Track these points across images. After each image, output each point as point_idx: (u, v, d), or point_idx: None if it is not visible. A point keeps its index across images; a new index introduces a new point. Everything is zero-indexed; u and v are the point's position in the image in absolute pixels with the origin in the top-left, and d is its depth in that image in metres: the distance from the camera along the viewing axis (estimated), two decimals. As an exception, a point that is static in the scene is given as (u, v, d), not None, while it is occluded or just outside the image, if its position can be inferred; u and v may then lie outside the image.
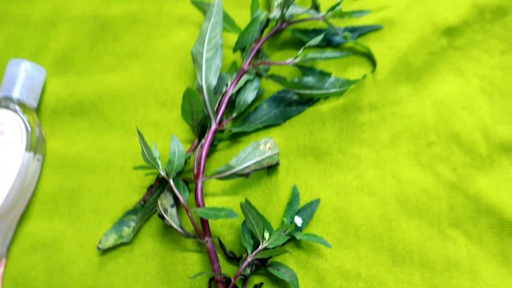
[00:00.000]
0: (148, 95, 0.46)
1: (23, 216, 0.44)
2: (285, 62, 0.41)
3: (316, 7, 0.42)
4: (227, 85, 0.43)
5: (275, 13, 0.44)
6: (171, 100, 0.46)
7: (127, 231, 0.41)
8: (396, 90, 0.45)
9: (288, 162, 0.43)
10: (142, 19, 0.49)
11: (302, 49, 0.40)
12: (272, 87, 0.45)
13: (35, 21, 0.49)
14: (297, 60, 0.41)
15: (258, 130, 0.44)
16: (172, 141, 0.38)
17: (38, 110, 0.46)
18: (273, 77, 0.42)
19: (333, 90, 0.42)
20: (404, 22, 0.47)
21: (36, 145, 0.43)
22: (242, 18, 0.48)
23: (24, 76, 0.44)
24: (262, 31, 0.44)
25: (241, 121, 0.44)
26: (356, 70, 0.46)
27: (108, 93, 0.47)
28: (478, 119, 0.44)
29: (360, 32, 0.46)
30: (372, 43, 0.46)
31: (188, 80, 0.47)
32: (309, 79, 0.41)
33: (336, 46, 0.46)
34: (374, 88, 0.45)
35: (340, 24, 0.47)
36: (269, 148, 0.40)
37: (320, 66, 0.45)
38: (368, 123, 0.44)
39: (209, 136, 0.41)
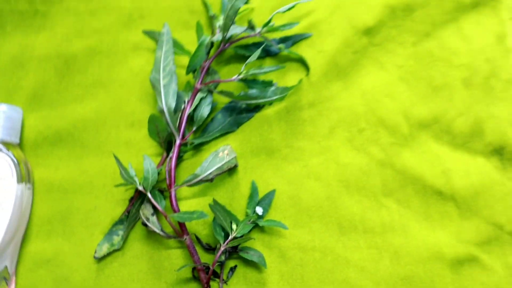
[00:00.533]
0: (117, 118, 0.54)
1: (24, 239, 0.51)
2: (231, 79, 0.49)
3: (252, 27, 0.50)
4: (184, 102, 0.51)
5: (218, 35, 0.52)
6: (138, 121, 0.53)
7: (117, 239, 0.49)
8: (329, 88, 0.54)
9: (245, 162, 0.52)
10: (101, 51, 0.55)
11: (244, 65, 0.48)
12: (224, 99, 0.53)
13: (4, 64, 0.55)
14: (241, 76, 0.49)
15: (216, 138, 0.52)
16: (144, 160, 0.46)
17: (21, 144, 0.53)
18: (223, 93, 0.50)
19: (275, 97, 0.50)
20: (329, 28, 0.55)
21: (25, 176, 0.50)
22: (189, 39, 0.55)
23: (3, 118, 0.51)
24: (208, 52, 0.51)
25: (201, 132, 0.52)
26: (293, 75, 0.54)
27: (82, 121, 0.53)
28: (399, 103, 0.53)
29: (293, 40, 0.54)
30: (304, 49, 0.54)
31: (150, 101, 0.54)
32: (253, 91, 0.49)
33: (274, 55, 0.54)
34: (310, 89, 0.53)
35: (275, 35, 0.55)
36: (227, 154, 0.48)
37: (262, 76, 0.53)
38: (308, 119, 0.53)
39: (175, 150, 0.49)
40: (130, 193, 0.51)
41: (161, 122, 0.48)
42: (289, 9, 0.50)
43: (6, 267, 0.48)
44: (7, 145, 0.50)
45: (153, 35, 0.53)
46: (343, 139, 0.52)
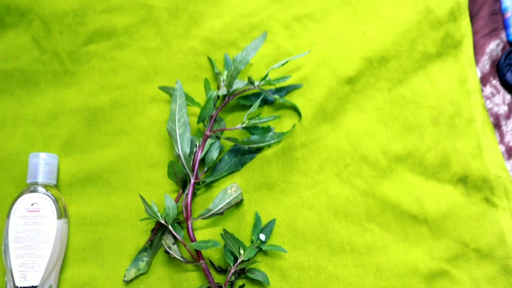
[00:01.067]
0: (138, 161, 0.63)
1: (63, 266, 0.60)
2: (236, 128, 0.59)
3: (251, 82, 0.60)
4: (196, 146, 0.61)
5: (223, 89, 0.62)
6: (156, 162, 0.63)
7: (142, 264, 0.59)
8: (318, 130, 0.64)
9: (249, 196, 0.62)
10: (123, 103, 0.65)
11: (246, 115, 0.59)
12: (230, 142, 0.63)
13: (40, 116, 0.64)
14: (244, 124, 0.59)
15: (224, 176, 0.62)
16: (166, 199, 0.56)
17: (57, 185, 0.62)
18: (229, 139, 0.60)
19: (273, 141, 0.61)
20: (316, 79, 0.65)
21: (63, 213, 0.60)
22: (198, 91, 0.66)
23: (43, 164, 0.60)
24: (215, 104, 0.62)
25: (211, 171, 0.62)
26: (287, 121, 0.64)
27: (108, 164, 0.63)
28: (378, 141, 0.63)
29: (287, 90, 0.65)
30: (296, 98, 0.65)
31: (166, 145, 0.64)
32: (255, 137, 0.60)
33: (271, 104, 0.65)
34: (303, 132, 0.64)
35: (271, 87, 0.65)
36: (234, 191, 0.59)
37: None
38: (301, 158, 0.63)
39: (190, 188, 0.59)
40: (152, 224, 0.61)
41: (178, 166, 0.57)
42: (282, 65, 0.60)
43: (50, 286, 0.58)
44: (47, 186, 0.60)
45: (167, 90, 0.63)
46: (331, 173, 0.62)
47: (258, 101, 0.59)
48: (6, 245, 0.57)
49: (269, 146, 0.62)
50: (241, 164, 0.62)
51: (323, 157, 0.63)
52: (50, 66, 0.66)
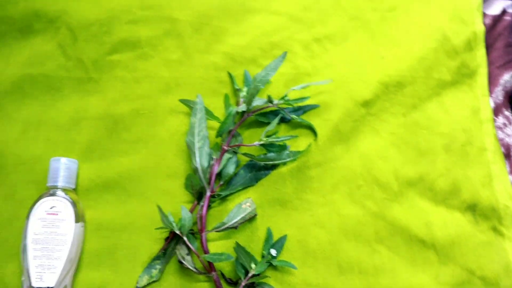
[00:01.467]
0: (156, 170, 0.65)
1: (77, 269, 0.62)
2: (253, 144, 0.61)
3: (271, 101, 0.62)
4: (212, 159, 0.62)
5: (242, 106, 0.64)
6: (173, 173, 0.65)
7: (155, 272, 0.61)
8: (333, 150, 0.66)
9: (262, 211, 0.63)
10: (143, 113, 0.67)
11: (264, 133, 0.61)
12: (247, 157, 0.65)
13: (63, 122, 0.66)
14: (261, 142, 0.61)
15: (238, 191, 0.64)
16: (182, 210, 0.58)
17: (76, 190, 0.64)
18: (246, 154, 0.62)
19: (288, 159, 0.62)
20: (333, 100, 0.67)
21: (80, 217, 0.62)
22: (217, 105, 0.67)
23: (63, 169, 0.62)
24: (234, 119, 0.64)
25: (226, 184, 0.64)
26: (303, 139, 0.66)
27: (126, 172, 0.65)
28: (390, 165, 0.65)
29: (304, 110, 0.67)
30: (312, 117, 0.67)
31: (184, 156, 0.66)
32: (272, 155, 0.62)
33: (287, 122, 0.67)
34: (317, 151, 0.66)
35: (290, 106, 0.67)
36: (249, 206, 0.61)
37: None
38: (315, 176, 0.65)
39: (206, 201, 0.61)
40: (166, 233, 0.63)
41: (195, 178, 0.59)
42: (303, 88, 0.62)
43: (66, 285, 0.59)
44: (66, 190, 0.62)
45: (187, 103, 0.65)
46: (344, 193, 0.64)
47: (277, 120, 0.61)
48: (25, 246, 0.59)
49: (284, 163, 0.64)
50: (256, 180, 0.64)
51: (336, 177, 0.65)
52: (74, 73, 0.69)
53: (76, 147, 0.66)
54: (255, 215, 0.62)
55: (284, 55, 0.60)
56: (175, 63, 0.69)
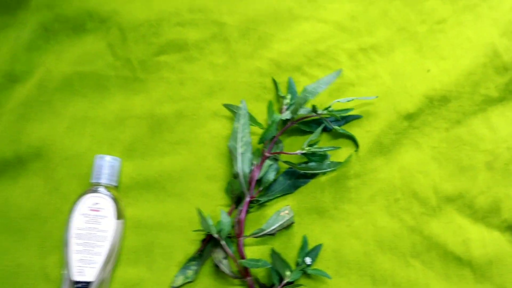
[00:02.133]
0: (196, 172, 0.67)
1: (115, 265, 0.64)
2: (295, 153, 0.62)
3: (315, 110, 0.63)
4: (253, 164, 0.63)
5: (286, 113, 0.65)
6: (213, 175, 0.66)
7: (190, 273, 0.62)
8: (373, 162, 0.66)
9: (300, 218, 0.64)
10: (186, 115, 0.68)
11: (306, 142, 0.61)
12: (287, 165, 0.66)
13: (108, 120, 0.68)
14: (303, 151, 0.61)
15: (277, 197, 0.65)
16: (222, 214, 0.59)
17: (118, 187, 0.66)
18: (287, 162, 0.63)
19: (329, 169, 0.63)
20: (376, 112, 0.67)
21: (121, 214, 0.64)
22: (259, 110, 0.68)
23: (107, 166, 0.64)
24: (277, 126, 0.65)
25: (265, 190, 0.65)
26: (344, 150, 0.67)
27: (167, 172, 0.67)
28: (430, 179, 0.65)
29: (346, 120, 0.67)
30: (354, 128, 0.67)
31: (224, 160, 0.67)
32: (313, 164, 0.62)
33: (329, 131, 0.67)
34: (357, 162, 0.66)
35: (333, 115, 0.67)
36: (287, 213, 0.61)
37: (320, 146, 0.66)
38: (354, 187, 0.65)
39: (245, 206, 0.62)
40: (202, 235, 0.64)
41: (236, 184, 0.61)
42: (348, 101, 0.63)
43: (103, 281, 0.62)
44: (109, 187, 0.64)
45: (231, 108, 0.66)
46: (381, 206, 0.65)
47: (320, 130, 0.61)
48: (68, 240, 0.61)
49: (324, 173, 0.65)
50: (294, 187, 0.65)
51: (374, 189, 0.65)
52: (121, 72, 0.70)
53: (120, 145, 0.68)
54: (293, 222, 0.63)
55: (338, 73, 0.61)
56: (220, 67, 0.70)
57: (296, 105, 0.61)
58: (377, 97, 0.67)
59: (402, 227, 0.64)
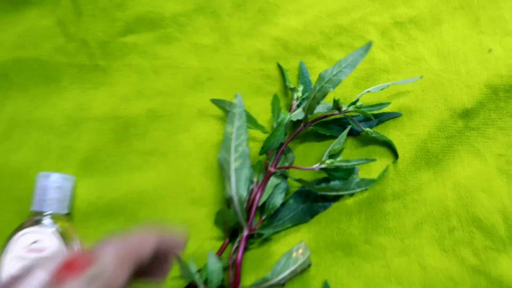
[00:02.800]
0: (176, 193, 0.51)
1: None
2: (311, 168, 0.45)
3: (338, 107, 0.45)
4: (252, 182, 0.46)
5: (298, 113, 0.47)
6: (199, 198, 0.51)
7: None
8: (417, 177, 0.50)
9: (318, 258, 0.48)
10: (163, 115, 0.53)
11: (327, 152, 0.44)
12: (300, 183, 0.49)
13: (58, 122, 0.53)
14: (323, 165, 0.44)
15: (286, 228, 0.47)
16: (209, 258, 0.42)
17: (70, 216, 0.50)
18: (299, 181, 0.45)
19: (358, 189, 0.46)
20: (421, 108, 0.51)
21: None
22: (261, 107, 0.52)
23: (53, 188, 0.48)
24: (285, 130, 0.47)
25: (270, 218, 0.47)
26: (378, 162, 0.49)
27: (137, 194, 0.51)
28: (497, 201, 0.49)
29: (380, 120, 0.50)
30: (391, 131, 0.51)
31: (214, 176, 0.51)
32: (336, 183, 0.45)
33: (357, 135, 0.50)
34: (396, 178, 0.50)
35: (362, 113, 0.50)
36: (301, 254, 0.45)
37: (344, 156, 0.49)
38: (392, 212, 0.49)
39: (242, 242, 0.45)
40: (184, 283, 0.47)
41: (230, 214, 0.44)
42: (382, 89, 0.45)
43: None
44: (56, 218, 0.47)
45: (222, 104, 0.50)
46: (430, 238, 0.49)
47: (345, 134, 0.44)
48: (-4, 293, 0.44)
49: (351, 194, 0.48)
50: (310, 214, 0.48)
51: (420, 215, 0.49)
52: (76, 59, 0.56)
53: (74, 157, 0.53)
54: (309, 265, 0.45)
55: (368, 47, 0.42)
56: (208, 50, 0.56)
57: (311, 99, 0.44)
58: (421, 77, 0.51)
59: (460, 267, 0.47)
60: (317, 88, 0.43)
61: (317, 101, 0.44)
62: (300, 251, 0.45)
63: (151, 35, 0.56)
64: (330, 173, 0.46)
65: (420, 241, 0.48)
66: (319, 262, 0.48)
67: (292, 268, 0.44)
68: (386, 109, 0.50)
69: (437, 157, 0.50)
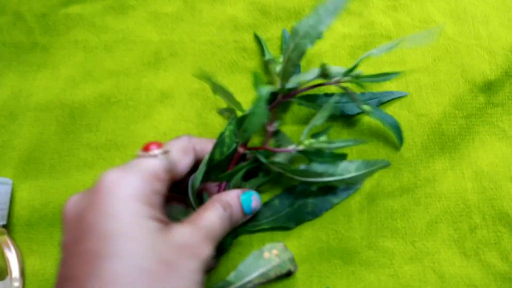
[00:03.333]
0: (136, 195, 0.42)
1: None
2: (286, 150, 0.36)
3: (326, 73, 0.36)
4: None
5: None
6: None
7: None
8: (430, 166, 0.42)
9: (311, 267, 0.40)
10: (117, 101, 0.45)
11: (305, 132, 0.35)
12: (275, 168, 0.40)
13: None
14: (301, 147, 0.35)
15: (264, 230, 0.39)
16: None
17: (7, 227, 0.42)
18: (274, 164, 0.36)
19: (348, 175, 0.37)
20: (433, 82, 0.44)
21: (9, 271, 0.39)
22: (237, 87, 0.45)
23: (-14, 193, 0.39)
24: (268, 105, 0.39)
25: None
26: (379, 148, 0.41)
27: (90, 197, 0.42)
28: (529, 191, 0.40)
29: (380, 99, 0.41)
30: (397, 111, 0.43)
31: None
32: (317, 166, 0.36)
33: (351, 116, 0.41)
34: (405, 168, 0.42)
35: (360, 89, 0.41)
36: (276, 255, 0.37)
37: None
38: (400, 210, 0.41)
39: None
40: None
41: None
42: (387, 51, 0.36)
43: None
44: (-11, 230, 0.38)
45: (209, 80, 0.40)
46: (447, 239, 0.41)
47: (329, 107, 0.35)
48: None
49: (338, 183, 0.39)
50: (295, 221, 0.40)
51: (434, 212, 0.41)
52: (10, 36, 0.48)
53: (12, 154, 0.45)
54: (290, 272, 0.37)
55: None
56: (170, 19, 0.48)
57: (285, 62, 0.35)
58: (438, 29, 0.43)
59: (486, 274, 0.39)
60: (291, 46, 0.34)
61: (293, 63, 0.35)
62: (275, 251, 0.37)
63: (99, 4, 0.48)
64: (311, 158, 0.37)
65: (435, 243, 0.40)
66: (312, 273, 0.39)
67: (261, 271, 0.36)
68: (390, 86, 0.41)
69: (454, 141, 0.42)
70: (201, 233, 0.29)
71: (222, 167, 0.37)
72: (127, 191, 0.28)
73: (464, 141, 0.42)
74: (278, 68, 0.41)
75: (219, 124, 0.43)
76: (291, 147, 0.36)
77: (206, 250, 0.29)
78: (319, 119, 0.36)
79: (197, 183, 0.36)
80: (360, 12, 0.46)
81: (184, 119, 0.44)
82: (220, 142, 0.35)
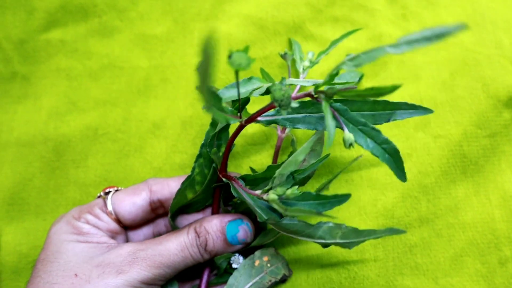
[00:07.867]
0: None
1: None
2: (252, 192, 0.32)
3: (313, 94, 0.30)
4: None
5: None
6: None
7: None
8: (451, 193, 0.42)
9: None
10: (105, 133, 0.44)
11: (277, 176, 0.30)
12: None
13: None
14: (265, 196, 0.31)
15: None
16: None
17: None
18: (242, 205, 0.35)
19: (332, 241, 0.32)
20: (451, 99, 0.43)
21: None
22: None
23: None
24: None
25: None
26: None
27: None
28: None
29: (390, 116, 0.35)
30: (412, 132, 0.42)
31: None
32: (294, 223, 0.31)
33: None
34: (423, 196, 0.41)
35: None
36: (268, 261, 0.36)
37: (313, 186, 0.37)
38: (420, 244, 0.40)
39: (204, 276, 0.34)
40: None
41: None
42: (369, 60, 0.28)
43: None
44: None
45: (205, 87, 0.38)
46: (474, 275, 0.40)
47: (308, 147, 0.29)
48: None
49: (325, 246, 0.35)
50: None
51: (458, 244, 0.40)
52: None
53: None
54: (284, 278, 0.37)
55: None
56: (159, 42, 0.47)
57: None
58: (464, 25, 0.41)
59: None
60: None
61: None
62: (265, 257, 0.36)
63: (81, 27, 0.47)
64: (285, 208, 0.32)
65: (461, 280, 0.39)
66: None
67: (254, 280, 0.35)
68: (396, 96, 0.36)
69: (477, 164, 0.42)
70: (138, 255, 0.32)
71: (202, 201, 0.35)
72: (62, 230, 0.34)
73: (489, 163, 0.42)
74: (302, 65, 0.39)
75: (216, 152, 0.42)
76: (258, 191, 0.32)
77: (135, 271, 0.31)
78: (300, 155, 0.29)
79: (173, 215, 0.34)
80: (366, 23, 0.44)
81: (179, 150, 0.43)
82: (189, 184, 0.32)
